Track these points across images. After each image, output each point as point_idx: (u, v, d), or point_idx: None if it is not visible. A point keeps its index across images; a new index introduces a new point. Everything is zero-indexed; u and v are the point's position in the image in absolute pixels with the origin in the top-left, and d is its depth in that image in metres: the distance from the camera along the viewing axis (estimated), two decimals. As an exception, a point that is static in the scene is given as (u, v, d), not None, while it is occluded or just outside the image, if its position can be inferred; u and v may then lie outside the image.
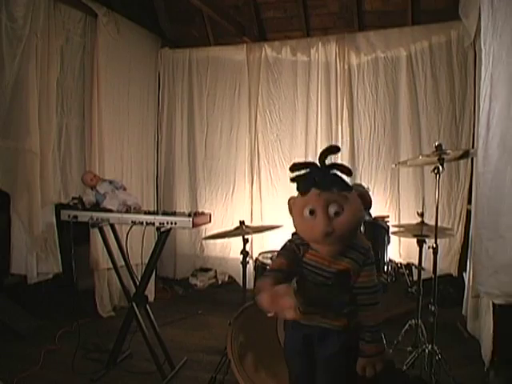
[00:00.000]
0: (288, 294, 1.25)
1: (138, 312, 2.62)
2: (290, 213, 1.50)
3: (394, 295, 3.47)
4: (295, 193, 1.49)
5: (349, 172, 1.42)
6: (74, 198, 2.68)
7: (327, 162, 1.42)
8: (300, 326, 1.50)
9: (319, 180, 1.39)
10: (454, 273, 3.60)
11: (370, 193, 3.41)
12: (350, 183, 1.45)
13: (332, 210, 1.36)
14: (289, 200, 1.51)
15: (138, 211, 2.60)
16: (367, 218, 2.79)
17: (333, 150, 1.44)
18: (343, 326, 1.45)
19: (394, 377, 2.09)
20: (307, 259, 1.48)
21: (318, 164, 1.41)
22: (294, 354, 1.59)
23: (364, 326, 1.46)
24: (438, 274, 2.43)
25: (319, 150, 1.43)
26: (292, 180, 1.44)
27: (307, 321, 1.47)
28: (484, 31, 2.39)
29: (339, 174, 1.41)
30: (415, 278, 3.42)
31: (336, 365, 1.49)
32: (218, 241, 4.24)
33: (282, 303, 1.24)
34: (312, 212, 1.38)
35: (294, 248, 1.50)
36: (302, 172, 1.42)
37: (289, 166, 1.44)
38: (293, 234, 1.54)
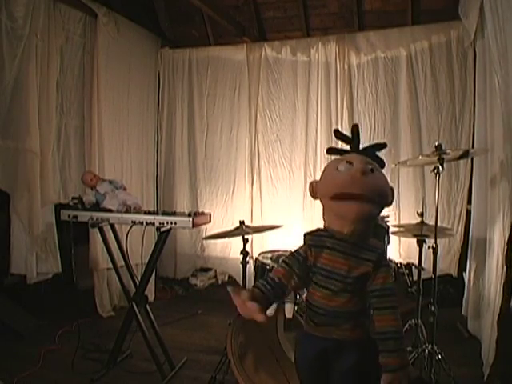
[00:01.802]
0: (250, 298, 1.23)
1: (137, 312, 2.62)
2: (313, 195, 1.46)
3: (394, 295, 3.47)
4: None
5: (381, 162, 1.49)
6: (73, 198, 2.68)
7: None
8: (314, 339, 1.42)
9: (360, 150, 1.47)
10: (454, 273, 3.60)
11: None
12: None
13: (369, 166, 1.37)
14: (311, 183, 1.47)
15: (137, 211, 2.60)
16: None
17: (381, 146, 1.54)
18: (361, 338, 1.39)
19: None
20: (322, 264, 1.39)
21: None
22: (307, 368, 1.49)
23: (385, 333, 1.32)
24: (437, 273, 2.42)
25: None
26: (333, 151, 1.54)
27: (322, 333, 1.40)
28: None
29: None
30: (415, 278, 3.42)
31: (352, 379, 1.40)
32: (219, 241, 4.24)
33: (249, 307, 1.21)
34: (349, 163, 1.37)
35: (304, 254, 1.41)
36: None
37: (335, 132, 1.60)
38: (305, 235, 1.46)
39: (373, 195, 1.34)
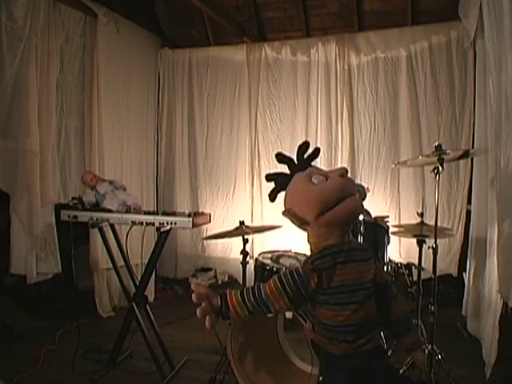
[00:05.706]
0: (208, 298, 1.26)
1: (137, 312, 2.62)
2: (302, 222, 1.37)
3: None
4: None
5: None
6: (73, 198, 2.68)
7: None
8: (351, 357, 1.36)
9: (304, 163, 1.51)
10: (454, 273, 3.61)
11: (370, 193, 3.43)
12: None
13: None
14: (286, 211, 1.41)
15: (137, 211, 2.60)
16: (367, 218, 2.78)
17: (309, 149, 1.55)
18: (381, 343, 1.44)
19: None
20: (337, 282, 1.31)
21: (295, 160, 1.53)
22: None
23: (405, 315, 1.48)
24: (437, 274, 2.42)
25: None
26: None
27: (358, 348, 1.35)
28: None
29: None
30: (415, 278, 3.42)
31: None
32: (220, 241, 4.24)
33: (202, 307, 1.25)
34: (319, 174, 1.39)
35: (306, 278, 1.29)
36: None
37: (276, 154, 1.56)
38: (314, 260, 1.33)
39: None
